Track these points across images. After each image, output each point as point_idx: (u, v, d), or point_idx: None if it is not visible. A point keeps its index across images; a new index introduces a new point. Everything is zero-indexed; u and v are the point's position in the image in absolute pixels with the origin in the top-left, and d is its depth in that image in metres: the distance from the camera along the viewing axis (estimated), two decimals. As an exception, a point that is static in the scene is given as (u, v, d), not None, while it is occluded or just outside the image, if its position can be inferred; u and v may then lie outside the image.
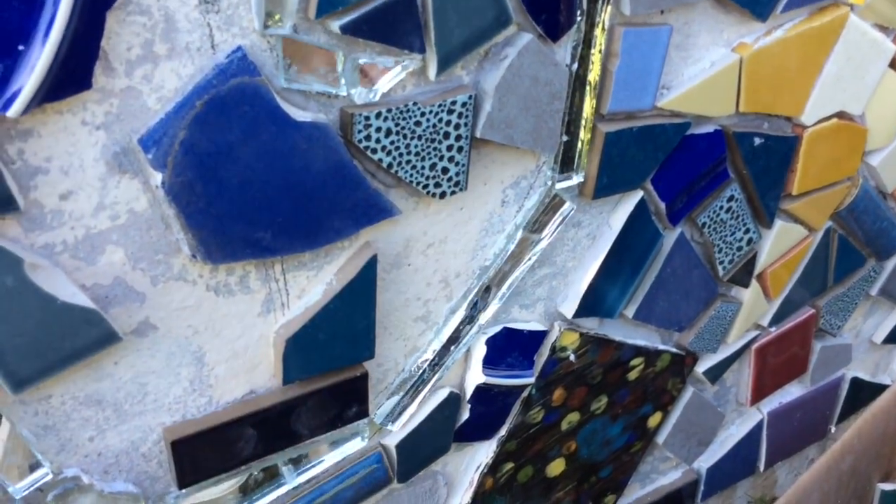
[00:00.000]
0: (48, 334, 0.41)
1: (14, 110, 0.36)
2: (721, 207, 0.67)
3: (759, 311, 0.78)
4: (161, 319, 0.46)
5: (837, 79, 0.66)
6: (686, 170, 0.63)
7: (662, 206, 0.63)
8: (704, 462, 0.87)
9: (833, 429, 1.00)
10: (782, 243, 0.74)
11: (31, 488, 0.46)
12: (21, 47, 0.35)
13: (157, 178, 0.41)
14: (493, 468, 0.67)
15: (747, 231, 0.70)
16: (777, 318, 0.80)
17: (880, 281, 0.89)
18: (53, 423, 0.46)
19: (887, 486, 0.91)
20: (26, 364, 0.42)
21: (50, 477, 0.47)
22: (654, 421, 0.77)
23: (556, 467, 0.72)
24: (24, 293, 0.40)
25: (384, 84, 0.47)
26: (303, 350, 0.51)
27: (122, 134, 0.40)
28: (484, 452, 0.67)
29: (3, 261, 0.39)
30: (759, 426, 0.89)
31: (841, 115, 0.69)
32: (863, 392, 0.96)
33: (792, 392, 0.91)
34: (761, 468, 0.93)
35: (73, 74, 0.37)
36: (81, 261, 0.42)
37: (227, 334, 0.49)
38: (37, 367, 0.42)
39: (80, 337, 0.43)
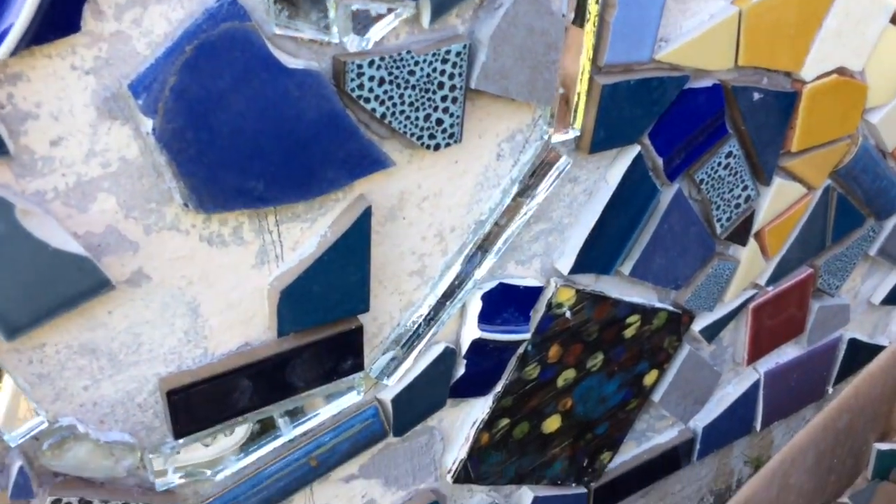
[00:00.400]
0: (40, 281, 0.42)
1: (2, 51, 0.35)
2: (719, 164, 0.66)
3: (757, 269, 0.78)
4: (155, 269, 0.46)
5: (837, 34, 0.66)
6: (684, 125, 0.63)
7: (660, 161, 0.63)
8: (700, 421, 0.88)
9: (830, 389, 1.00)
10: (781, 201, 0.73)
11: (27, 436, 0.47)
12: (6, -14, 0.35)
13: (148, 124, 0.41)
14: (489, 424, 0.68)
15: (745, 188, 0.69)
16: (774, 278, 0.80)
17: (879, 241, 0.88)
18: (48, 372, 0.46)
19: (884, 446, 0.91)
20: (19, 311, 0.42)
21: (45, 425, 0.47)
22: (650, 379, 0.77)
23: (552, 424, 0.72)
24: (15, 239, 0.40)
25: (377, 32, 0.46)
26: (297, 302, 0.52)
27: (111, 79, 0.40)
28: (480, 408, 0.68)
29: (-6, 206, 0.39)
30: (755, 386, 0.89)
31: (841, 71, 0.69)
32: (860, 353, 0.97)
33: (789, 352, 0.91)
34: (758, 428, 0.94)
35: (61, 16, 0.37)
36: (73, 208, 0.42)
37: (221, 285, 0.49)
38: (29, 313, 0.42)
39: (72, 284, 0.43)
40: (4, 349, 0.44)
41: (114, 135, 0.41)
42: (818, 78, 0.68)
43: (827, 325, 0.91)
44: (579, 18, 0.53)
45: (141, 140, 0.42)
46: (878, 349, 0.96)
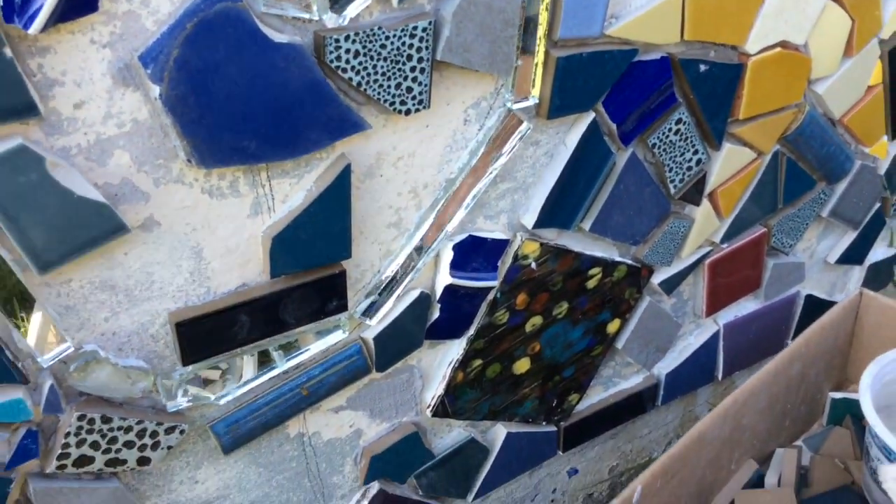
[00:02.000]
0: (67, 224, 0.49)
1: (35, 27, 0.43)
2: (670, 129, 0.73)
3: (711, 228, 0.85)
4: (164, 217, 0.54)
5: (779, 11, 0.72)
6: (635, 94, 0.70)
7: (614, 127, 0.70)
8: (663, 368, 0.95)
9: (789, 342, 1.07)
10: (731, 165, 0.80)
11: (56, 359, 0.54)
12: (39, -25, 0.42)
13: (156, 90, 0.48)
14: (464, 364, 0.75)
15: (696, 152, 0.76)
16: (729, 236, 0.87)
17: (830, 203, 0.95)
18: (73, 304, 0.54)
19: (837, 395, 0.99)
20: (49, 249, 0.49)
21: (72, 350, 0.55)
22: (612, 327, 0.85)
23: (522, 366, 0.80)
24: (46, 187, 0.47)
25: (353, 10, 0.54)
26: (287, 248, 0.59)
27: (124, 51, 0.47)
28: (455, 350, 0.75)
29: (28, 158, 0.46)
30: (715, 337, 0.97)
31: (784, 44, 0.75)
32: (818, 309, 1.03)
33: (748, 306, 0.98)
34: (719, 377, 1.01)
35: None
36: (94, 162, 0.49)
37: (221, 232, 0.57)
38: (58, 252, 0.50)
39: (94, 227, 0.50)
40: (37, 283, 0.51)
41: (127, 99, 0.49)
42: (762, 51, 0.74)
43: (783, 282, 0.99)
44: (534, -2, 0.60)
45: (150, 104, 0.49)
46: (834, 305, 1.03)
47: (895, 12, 0.83)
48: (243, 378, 0.64)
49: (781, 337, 1.06)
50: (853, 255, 1.06)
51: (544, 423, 0.88)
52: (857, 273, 1.11)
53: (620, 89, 0.69)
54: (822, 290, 1.08)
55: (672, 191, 0.78)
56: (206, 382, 0.63)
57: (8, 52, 0.43)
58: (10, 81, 0.44)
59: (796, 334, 1.07)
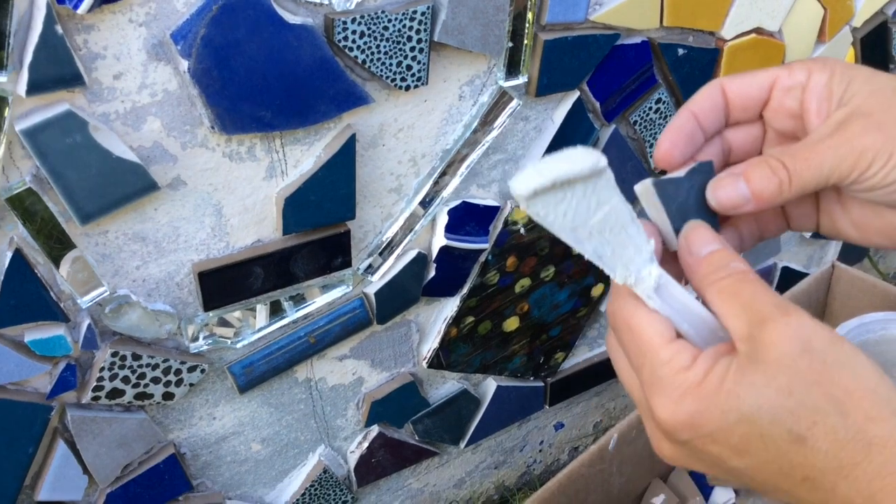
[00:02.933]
0: (105, 181, 0.56)
1: (83, 8, 0.49)
2: (650, 108, 0.80)
3: (690, 200, 0.91)
4: (189, 177, 0.61)
5: (753, -1, 0.79)
6: (617, 75, 0.76)
7: (597, 104, 0.77)
8: (645, 331, 1.02)
9: (766, 312, 1.14)
10: (708, 142, 0.87)
11: (93, 301, 0.61)
12: (88, -37, 0.49)
13: (184, 64, 0.55)
14: (457, 320, 0.83)
15: (675, 129, 0.83)
16: (707, 208, 0.94)
17: (806, 181, 1.01)
18: (109, 253, 0.61)
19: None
20: (90, 203, 0.56)
21: (107, 294, 0.62)
22: (597, 291, 0.92)
23: (511, 324, 0.87)
24: (88, 148, 0.54)
25: (359, -4, 0.60)
26: (298, 208, 0.66)
27: (158, 30, 0.54)
28: (449, 307, 0.82)
29: (75, 122, 0.53)
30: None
31: (759, 31, 0.81)
32: (794, 280, 1.09)
33: (726, 276, 1.05)
34: (699, 342, 1.08)
35: None
36: (129, 127, 0.56)
37: (239, 192, 0.64)
38: (97, 205, 0.57)
39: (128, 184, 0.57)
40: (78, 232, 0.58)
41: (159, 72, 0.55)
42: (738, 36, 0.80)
43: (759, 253, 1.05)
44: (524, -14, 0.67)
45: (179, 77, 0.56)
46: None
47: (866, 2, 0.89)
48: (257, 324, 0.71)
49: (759, 306, 1.12)
50: (829, 231, 1.12)
51: (532, 378, 0.95)
52: (834, 247, 1.17)
53: (604, 70, 0.75)
54: (799, 262, 1.15)
55: (653, 165, 0.84)
56: (232, 326, 0.70)
57: (59, 29, 0.50)
58: (60, 55, 0.51)
59: (774, 304, 1.14)
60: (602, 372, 1.02)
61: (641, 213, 0.45)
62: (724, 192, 0.45)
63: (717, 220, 0.45)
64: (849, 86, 0.45)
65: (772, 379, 0.39)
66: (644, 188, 0.46)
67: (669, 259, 0.46)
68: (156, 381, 0.67)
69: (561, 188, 0.40)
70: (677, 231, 0.45)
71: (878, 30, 0.94)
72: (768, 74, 0.48)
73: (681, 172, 0.45)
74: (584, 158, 0.40)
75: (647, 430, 0.45)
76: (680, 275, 0.45)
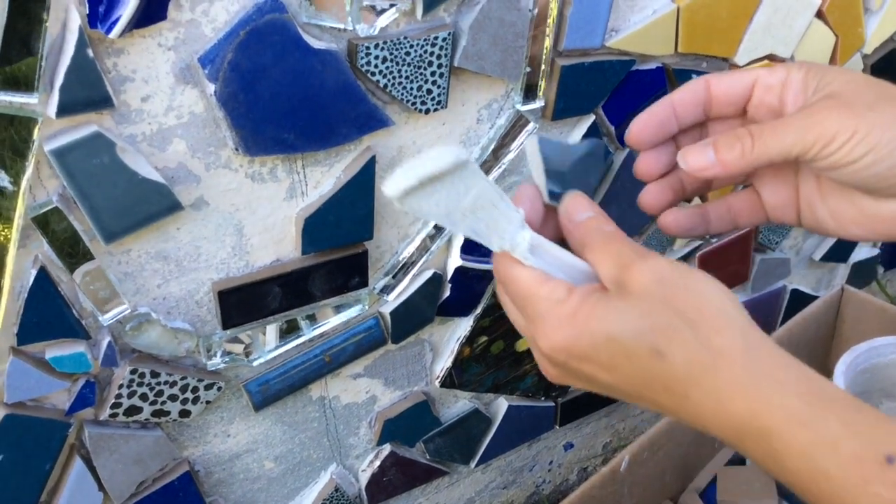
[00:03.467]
0: (131, 201, 0.57)
1: (114, 32, 0.50)
2: (664, 132, 0.81)
3: (702, 223, 0.92)
4: (212, 197, 0.62)
5: (766, 27, 0.79)
6: (632, 99, 0.77)
7: (612, 128, 0.77)
8: (655, 353, 1.02)
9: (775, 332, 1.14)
10: (721, 166, 0.87)
11: (114, 319, 0.62)
12: (121, -11, 0.50)
13: (211, 88, 0.56)
14: (470, 340, 0.83)
15: (688, 153, 0.84)
16: (718, 231, 0.95)
17: (815, 204, 1.02)
18: (131, 271, 0.61)
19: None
20: (114, 222, 0.57)
21: (128, 311, 0.62)
22: (608, 312, 0.92)
23: (524, 344, 0.87)
24: (115, 168, 0.55)
25: (382, 22, 0.61)
26: (317, 228, 0.67)
27: (186, 54, 0.55)
28: (463, 326, 0.83)
29: (103, 143, 0.54)
30: (704, 325, 1.03)
31: (771, 57, 0.82)
32: (803, 302, 1.10)
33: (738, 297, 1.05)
34: (708, 364, 1.08)
35: (153, 9, 0.51)
36: (155, 148, 0.57)
37: (260, 213, 0.65)
38: (122, 224, 0.57)
39: (153, 204, 0.58)
40: (101, 251, 0.59)
41: (186, 95, 0.56)
42: (751, 63, 0.81)
43: (769, 276, 1.06)
44: (543, 12, 0.68)
45: (205, 100, 0.57)
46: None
47: (877, 30, 0.90)
48: (274, 343, 0.72)
49: (768, 327, 1.13)
50: (837, 254, 1.12)
51: (543, 398, 0.96)
52: (842, 270, 1.18)
53: (619, 95, 0.76)
54: (808, 285, 1.15)
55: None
56: (249, 344, 0.71)
57: (90, 52, 0.50)
58: (90, 78, 0.51)
59: (782, 324, 1.14)
60: (612, 392, 1.02)
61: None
62: (693, 156, 0.51)
63: (592, 191, 0.53)
64: (823, 77, 0.50)
65: (634, 305, 0.45)
66: (531, 145, 0.51)
67: (551, 215, 0.53)
68: (173, 398, 0.68)
69: (430, 183, 0.46)
70: (550, 191, 0.52)
71: (889, 56, 0.95)
72: (751, 74, 0.53)
73: (571, 141, 0.50)
74: (446, 155, 0.46)
75: (535, 357, 0.51)
76: (558, 231, 0.53)
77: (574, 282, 0.48)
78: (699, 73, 0.79)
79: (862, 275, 1.20)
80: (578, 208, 0.52)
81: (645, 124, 0.54)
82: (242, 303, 0.67)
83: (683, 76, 0.78)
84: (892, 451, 0.40)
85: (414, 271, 0.75)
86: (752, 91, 0.53)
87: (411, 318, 0.78)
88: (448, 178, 0.47)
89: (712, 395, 0.44)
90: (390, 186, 0.47)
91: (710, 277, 0.47)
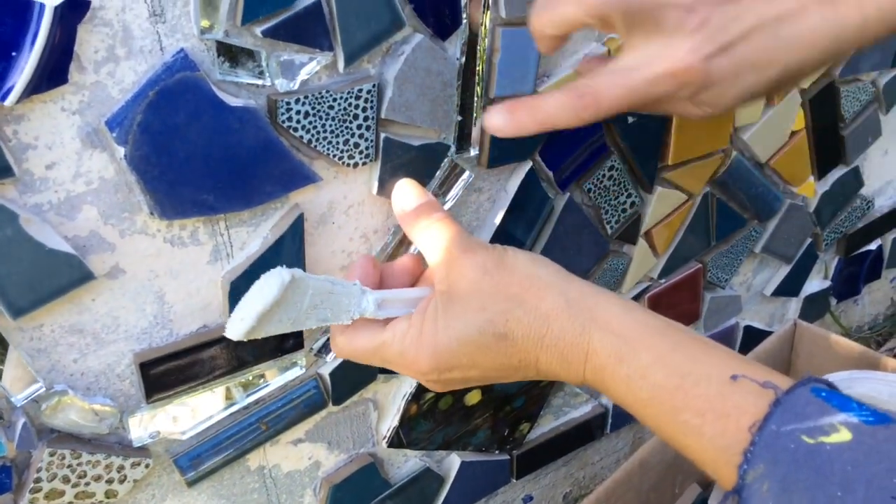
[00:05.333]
0: (38, 273, 0.53)
1: (10, 100, 0.47)
2: (604, 175, 0.79)
3: (648, 265, 0.91)
4: (129, 265, 0.59)
5: (700, 66, 0.79)
6: (569, 144, 0.76)
7: (550, 174, 0.76)
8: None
9: (731, 372, 1.13)
10: (664, 206, 0.86)
11: (28, 399, 0.58)
12: (14, 53, 0.47)
13: (121, 152, 0.53)
14: (417, 396, 0.80)
15: (629, 196, 0.83)
16: (666, 271, 0.93)
17: (762, 240, 1.02)
18: (45, 347, 0.58)
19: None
20: (22, 296, 0.54)
21: (43, 390, 0.58)
22: (559, 359, 0.90)
23: (473, 397, 0.85)
24: (19, 241, 0.52)
25: (302, 75, 0.59)
26: (244, 292, 0.64)
27: (92, 117, 0.52)
28: (408, 383, 0.80)
29: (4, 215, 0.50)
30: (659, 367, 1.02)
31: (707, 96, 0.82)
32: (757, 339, 1.09)
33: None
34: (666, 405, 1.06)
35: (53, 72, 0.49)
36: (64, 217, 0.54)
37: (182, 278, 0.62)
38: (30, 299, 0.54)
39: (63, 276, 0.55)
40: (11, 327, 0.55)
41: (95, 160, 0.53)
42: (687, 102, 0.81)
43: (721, 314, 1.04)
44: (471, 61, 0.66)
45: (116, 164, 0.54)
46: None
47: (812, 64, 0.90)
48: (205, 414, 0.68)
49: (724, 366, 1.11)
50: (788, 288, 1.12)
51: (497, 451, 0.93)
52: (794, 305, 1.17)
53: (555, 141, 0.74)
54: (762, 320, 1.14)
55: (609, 231, 0.84)
56: (178, 416, 0.67)
57: (-15, 121, 0.48)
58: (-13, 148, 0.49)
59: (739, 363, 1.13)
60: (570, 440, 1.00)
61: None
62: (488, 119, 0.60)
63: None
64: None
65: (468, 304, 0.52)
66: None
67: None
68: (97, 478, 0.64)
69: (267, 315, 0.52)
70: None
71: (826, 90, 0.95)
72: None
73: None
74: (272, 284, 0.51)
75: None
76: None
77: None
78: (635, 116, 0.78)
79: (815, 307, 1.20)
80: (407, 197, 0.60)
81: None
82: (167, 373, 0.63)
83: (619, 119, 0.77)
84: (693, 374, 0.46)
85: (352, 329, 0.72)
86: None
87: (352, 377, 0.75)
88: (282, 300, 0.51)
89: (555, 353, 0.51)
90: (232, 332, 0.53)
91: (523, 252, 0.55)
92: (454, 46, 0.65)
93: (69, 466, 0.62)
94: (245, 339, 0.53)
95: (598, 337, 0.50)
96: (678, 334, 0.50)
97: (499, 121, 0.58)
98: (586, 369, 0.51)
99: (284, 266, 0.53)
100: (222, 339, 0.65)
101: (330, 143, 0.62)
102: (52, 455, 0.61)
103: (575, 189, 0.80)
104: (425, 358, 0.53)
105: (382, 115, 0.63)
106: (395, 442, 0.82)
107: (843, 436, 0.40)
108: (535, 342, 0.52)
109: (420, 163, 0.68)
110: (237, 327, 0.53)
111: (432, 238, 0.56)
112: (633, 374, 0.48)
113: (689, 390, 0.46)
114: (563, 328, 0.51)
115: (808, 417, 0.42)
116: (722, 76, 0.53)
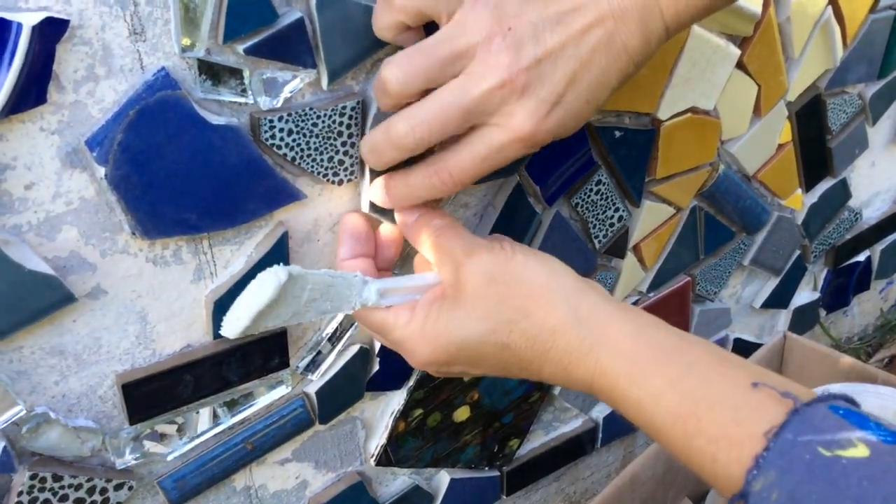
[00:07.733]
0: (18, 295, 0.53)
1: (-14, 121, 0.47)
2: (591, 190, 0.79)
3: (637, 278, 0.90)
4: (110, 285, 0.58)
5: (686, 80, 0.79)
6: (556, 159, 0.75)
7: (537, 188, 0.76)
8: (601, 411, 0.99)
9: (722, 384, 1.12)
10: (652, 220, 0.86)
11: (9, 422, 0.57)
12: (-10, 74, 0.46)
13: (101, 171, 0.53)
14: (405, 414, 0.79)
15: (617, 210, 0.82)
16: (655, 285, 0.93)
17: (751, 252, 1.01)
18: (25, 370, 0.57)
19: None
20: (1, 319, 0.53)
21: (24, 413, 0.57)
22: (548, 375, 0.89)
23: (462, 414, 0.84)
24: (-2, 263, 0.51)
25: (286, 93, 0.59)
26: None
27: (72, 137, 0.51)
28: (396, 400, 0.79)
29: (-19, 237, 0.50)
30: (649, 381, 1.01)
31: (694, 110, 0.82)
32: (747, 351, 1.09)
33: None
34: (657, 419, 1.06)
35: (31, 92, 0.48)
36: (44, 238, 0.53)
37: (165, 298, 0.61)
38: (10, 321, 0.53)
39: (43, 298, 0.54)
40: (-10, 350, 0.55)
41: (75, 180, 0.53)
42: (673, 116, 0.81)
43: (710, 327, 1.04)
44: (456, 76, 0.66)
45: (96, 183, 0.54)
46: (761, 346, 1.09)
47: (799, 77, 0.90)
48: (190, 434, 0.67)
49: (714, 379, 1.11)
50: (777, 300, 1.12)
51: (487, 468, 0.92)
52: (784, 316, 1.17)
53: (542, 156, 0.74)
54: (751, 333, 1.14)
55: (597, 245, 0.83)
56: (162, 437, 0.66)
57: (-38, 142, 0.47)
58: (-36, 168, 0.48)
59: (729, 376, 1.12)
60: (560, 456, 0.99)
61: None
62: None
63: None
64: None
65: (472, 311, 0.53)
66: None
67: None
68: (80, 502, 0.62)
69: (263, 313, 0.51)
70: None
71: (813, 102, 0.95)
72: None
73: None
74: (268, 283, 0.51)
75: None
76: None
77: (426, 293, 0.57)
78: (622, 130, 0.78)
79: (804, 319, 1.19)
80: (408, 213, 0.60)
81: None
82: (151, 394, 0.62)
83: (606, 133, 0.77)
84: (707, 398, 0.45)
85: (339, 347, 0.72)
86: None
87: (339, 395, 0.74)
88: (279, 297, 0.51)
89: (559, 367, 0.51)
90: (228, 330, 0.53)
91: (533, 255, 0.55)
92: (439, 62, 0.65)
93: (51, 490, 0.61)
94: (241, 337, 0.54)
95: (607, 358, 0.49)
96: (693, 352, 0.48)
97: (378, 197, 0.61)
98: (593, 386, 0.51)
99: (281, 264, 0.53)
100: (206, 359, 0.64)
101: (314, 160, 0.61)
102: (33, 479, 0.59)
103: (562, 204, 0.79)
104: (425, 352, 0.55)
105: (367, 132, 0.63)
106: (384, 460, 0.81)
107: (861, 451, 0.40)
108: (539, 355, 0.52)
109: (406, 179, 0.68)
110: (232, 326, 0.53)
111: (437, 243, 0.57)
112: (644, 397, 0.48)
113: (703, 416, 0.45)
114: (570, 345, 0.51)
115: (825, 431, 0.41)
116: (561, 122, 0.55)
